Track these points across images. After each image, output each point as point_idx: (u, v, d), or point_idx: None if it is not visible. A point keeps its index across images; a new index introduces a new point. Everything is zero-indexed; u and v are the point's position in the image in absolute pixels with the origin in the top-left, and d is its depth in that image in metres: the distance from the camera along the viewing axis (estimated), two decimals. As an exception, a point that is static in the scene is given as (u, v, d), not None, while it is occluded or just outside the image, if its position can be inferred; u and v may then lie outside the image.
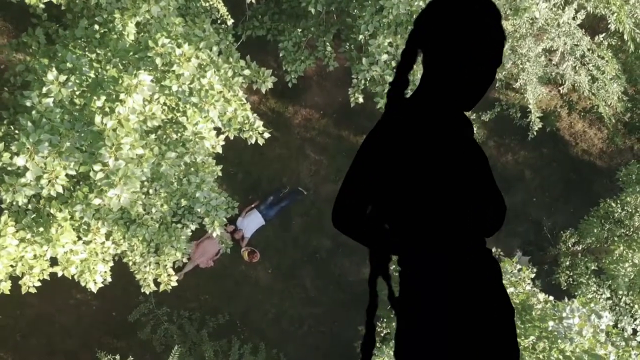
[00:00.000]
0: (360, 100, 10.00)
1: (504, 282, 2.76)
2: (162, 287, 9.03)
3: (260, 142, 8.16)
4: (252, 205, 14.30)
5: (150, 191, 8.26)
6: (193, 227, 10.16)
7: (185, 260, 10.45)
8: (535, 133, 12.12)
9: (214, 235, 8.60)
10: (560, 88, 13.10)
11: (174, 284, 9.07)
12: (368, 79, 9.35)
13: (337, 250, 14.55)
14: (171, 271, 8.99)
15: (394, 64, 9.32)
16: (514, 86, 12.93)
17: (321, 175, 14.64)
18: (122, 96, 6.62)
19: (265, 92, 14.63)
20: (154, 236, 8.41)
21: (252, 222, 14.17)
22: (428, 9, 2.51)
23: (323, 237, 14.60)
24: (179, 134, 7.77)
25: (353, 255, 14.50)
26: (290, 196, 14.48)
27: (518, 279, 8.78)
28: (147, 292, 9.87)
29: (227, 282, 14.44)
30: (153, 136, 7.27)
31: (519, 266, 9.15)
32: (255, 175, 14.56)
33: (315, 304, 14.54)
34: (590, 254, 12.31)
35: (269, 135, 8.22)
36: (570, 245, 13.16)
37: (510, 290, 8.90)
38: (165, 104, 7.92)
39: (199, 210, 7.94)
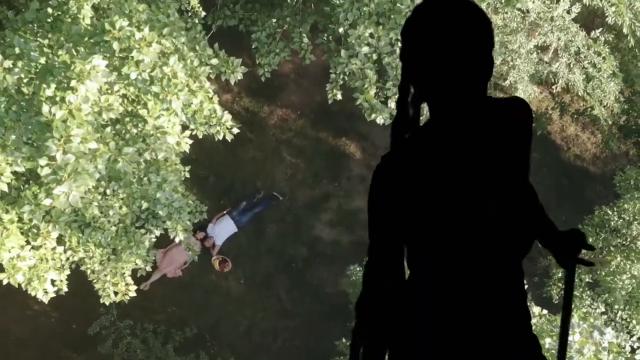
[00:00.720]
0: (339, 96, 9.55)
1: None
2: (119, 298, 8.49)
3: (229, 137, 7.70)
4: (224, 211, 13.81)
5: (108, 191, 7.75)
6: (157, 232, 9.68)
7: (148, 268, 9.95)
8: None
9: (177, 240, 8.09)
10: (552, 88, 12.72)
11: (133, 294, 8.55)
12: (347, 73, 8.90)
13: (315, 259, 14.08)
14: (130, 280, 8.47)
15: (375, 56, 8.89)
16: (502, 85, 12.53)
17: (298, 179, 14.17)
18: (73, 83, 6.11)
19: (238, 91, 14.22)
20: (111, 241, 7.87)
21: (223, 229, 13.68)
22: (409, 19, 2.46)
23: (299, 245, 14.12)
24: (139, 129, 7.27)
25: (331, 265, 14.04)
26: (265, 201, 13.99)
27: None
28: (107, 303, 9.33)
29: (196, 293, 13.92)
30: (109, 129, 6.76)
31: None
32: (227, 178, 14.06)
33: (290, 317, 14.05)
34: (584, 265, 11.86)
35: (239, 131, 7.81)
36: (561, 256, 12.70)
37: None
38: (124, 95, 7.42)
39: (160, 212, 7.42)
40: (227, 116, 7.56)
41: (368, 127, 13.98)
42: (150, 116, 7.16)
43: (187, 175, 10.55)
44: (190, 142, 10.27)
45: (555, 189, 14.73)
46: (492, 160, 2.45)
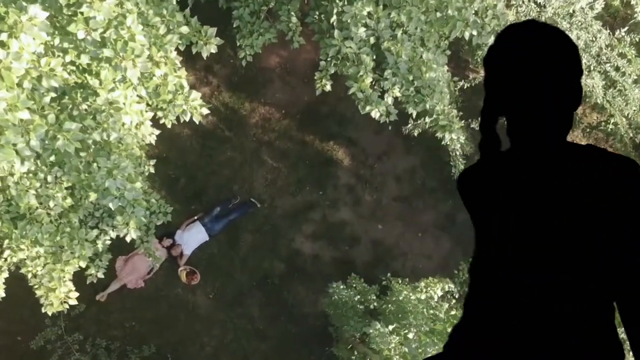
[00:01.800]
0: (328, 87, 8.61)
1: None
2: (54, 308, 7.44)
3: (197, 119, 6.70)
4: (195, 217, 12.84)
5: (49, 178, 6.70)
6: (113, 234, 8.68)
7: (100, 275, 8.94)
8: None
9: (128, 239, 7.04)
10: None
11: (74, 302, 7.50)
12: (340, 57, 7.94)
13: (292, 275, 13.07)
14: (70, 285, 7.40)
15: (372, 40, 7.96)
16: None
17: (278, 185, 13.17)
18: (3, 37, 5.11)
19: (217, 84, 13.23)
20: (50, 238, 6.82)
21: (193, 236, 12.68)
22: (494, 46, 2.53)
23: (276, 260, 13.11)
24: (90, 103, 6.25)
25: (310, 283, 13.03)
26: (241, 208, 12.99)
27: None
28: (49, 313, 8.26)
29: (159, 307, 12.87)
30: (48, 99, 5.73)
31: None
32: (200, 181, 13.05)
33: (263, 338, 13.01)
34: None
35: (209, 112, 6.73)
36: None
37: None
38: (73, 63, 6.41)
39: (110, 206, 6.37)
40: (196, 94, 6.56)
41: (359, 132, 13.03)
42: (102, 88, 6.16)
43: (152, 171, 9.60)
44: (157, 132, 9.35)
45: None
46: (563, 207, 2.37)
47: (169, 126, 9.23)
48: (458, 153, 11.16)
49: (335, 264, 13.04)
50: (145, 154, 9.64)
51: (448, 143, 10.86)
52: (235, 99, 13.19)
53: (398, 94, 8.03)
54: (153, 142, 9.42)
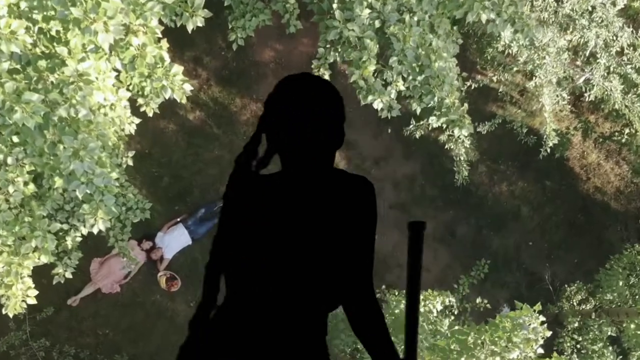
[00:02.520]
0: (326, 77, 7.92)
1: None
2: (13, 308, 6.73)
3: (179, 97, 6.02)
4: (178, 219, 12.19)
5: (10, 160, 6.01)
6: (85, 230, 8.00)
7: (68, 275, 8.26)
8: (548, 150, 10.17)
9: (95, 230, 6.35)
10: (579, 102, 11.22)
11: (32, 300, 6.78)
12: (342, 42, 7.30)
13: (281, 285, 12.34)
14: (29, 282, 6.69)
15: (377, 24, 7.32)
16: (526, 87, 11.00)
17: (269, 188, 12.47)
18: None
19: (207, 77, 12.57)
20: (9, 227, 6.13)
21: (175, 239, 12.01)
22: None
23: (264, 267, 12.40)
24: (57, 75, 5.58)
25: (300, 293, 12.32)
26: (227, 211, 12.28)
27: (536, 336, 6.72)
28: (11, 315, 7.54)
29: (136, 314, 12.20)
30: (7, 64, 5.06)
31: (541, 317, 7.09)
32: (185, 180, 12.38)
33: (246, 352, 12.28)
34: (606, 315, 10.31)
35: (192, 89, 6.06)
36: (575, 303, 11.15)
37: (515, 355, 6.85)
38: (42, 30, 5.75)
39: (76, 193, 5.68)
40: (178, 68, 5.89)
41: (357, 134, 12.40)
42: (71, 57, 5.49)
43: (130, 163, 8.94)
44: (137, 121, 8.72)
45: (569, 225, 13.20)
46: (317, 221, 2.73)
47: (150, 114, 8.62)
48: (462, 158, 10.53)
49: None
50: (124, 145, 8.98)
51: (452, 147, 10.28)
52: (225, 94, 12.53)
53: (402, 88, 7.39)
54: (132, 132, 8.79)
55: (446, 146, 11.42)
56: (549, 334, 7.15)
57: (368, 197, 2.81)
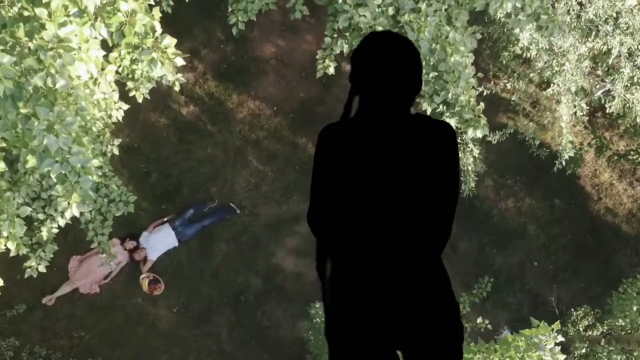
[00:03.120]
0: (331, 70, 7.50)
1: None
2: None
3: (170, 74, 5.52)
4: (165, 219, 11.68)
5: (-24, 134, 5.45)
6: (62, 221, 7.49)
7: (41, 269, 7.71)
8: (563, 163, 9.67)
9: (69, 215, 5.79)
10: (592, 118, 10.72)
11: (-5, 292, 6.22)
12: (351, 29, 6.79)
13: (270, 294, 11.84)
14: (-9, 270, 6.13)
15: (391, 11, 6.83)
16: (543, 93, 10.49)
17: (262, 191, 11.97)
18: None
19: (204, 70, 12.05)
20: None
21: (160, 240, 11.49)
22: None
23: (253, 275, 11.90)
24: (35, 40, 5.04)
25: (289, 304, 11.82)
26: (218, 213, 11.80)
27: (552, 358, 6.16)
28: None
29: (114, 318, 11.66)
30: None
31: (560, 337, 6.53)
32: (175, 178, 11.84)
33: (230, 363, 11.76)
34: (616, 342, 9.78)
35: (184, 63, 5.53)
36: (582, 329, 10.61)
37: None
38: (20, -9, 5.22)
39: (49, 172, 5.13)
40: (170, 40, 5.37)
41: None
42: (51, 21, 4.95)
43: (116, 152, 8.40)
44: (125, 107, 8.21)
45: (576, 246, 12.67)
46: (405, 165, 3.07)
47: (140, 100, 8.14)
48: (470, 168, 10.02)
49: (319, 286, 11.79)
50: (110, 132, 8.45)
51: (460, 155, 9.75)
52: (222, 89, 12.01)
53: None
54: (120, 119, 8.28)
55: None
56: (562, 358, 6.61)
57: (450, 139, 3.11)
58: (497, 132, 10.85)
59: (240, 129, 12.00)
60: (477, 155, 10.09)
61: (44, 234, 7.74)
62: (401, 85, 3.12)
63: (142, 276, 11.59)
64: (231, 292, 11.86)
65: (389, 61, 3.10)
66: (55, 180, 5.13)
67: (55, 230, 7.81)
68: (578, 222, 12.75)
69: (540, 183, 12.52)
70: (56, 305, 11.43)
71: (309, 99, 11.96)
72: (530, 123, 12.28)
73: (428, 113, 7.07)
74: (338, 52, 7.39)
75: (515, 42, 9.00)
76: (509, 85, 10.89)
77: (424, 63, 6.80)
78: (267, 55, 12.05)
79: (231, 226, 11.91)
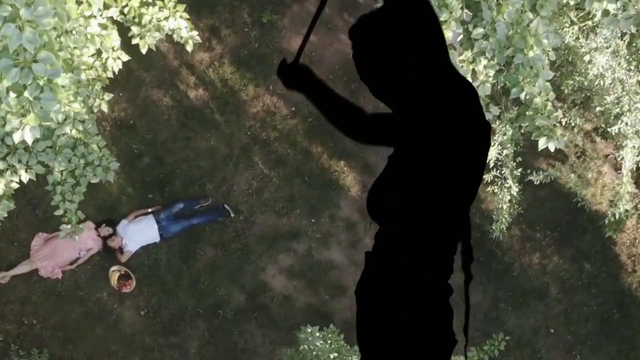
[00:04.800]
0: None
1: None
2: None
3: (184, 28, 4.26)
4: (149, 210, 10.41)
5: None
6: (25, 176, 6.28)
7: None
8: (616, 216, 8.44)
9: (17, 139, 4.45)
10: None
11: None
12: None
13: (252, 313, 10.53)
14: None
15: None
16: (606, 131, 9.28)
17: (264, 197, 10.68)
18: None
19: (221, 53, 10.80)
20: None
21: (141, 232, 10.30)
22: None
23: (237, 289, 10.60)
24: None
25: (271, 328, 10.56)
26: (210, 214, 10.54)
27: None
28: None
29: (73, 310, 10.43)
30: None
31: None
32: (168, 166, 10.59)
33: (193, 383, 10.39)
34: None
35: (197, 43, 4.26)
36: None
37: None
38: None
39: (4, 81, 3.84)
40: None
41: (380, 157, 10.61)
42: None
43: (105, 108, 7.15)
44: (126, 58, 7.04)
45: (600, 319, 11.39)
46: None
47: (144, 51, 6.96)
48: (505, 207, 8.76)
49: (308, 313, 10.48)
50: (101, 86, 7.18)
51: (496, 190, 8.55)
52: (238, 77, 10.76)
53: (480, 68, 5.64)
54: (116, 70, 7.05)
55: (488, 188, 9.68)
56: None
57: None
58: (540, 172, 9.58)
59: (250, 125, 10.73)
60: (514, 194, 8.82)
61: (1, 187, 6.46)
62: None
63: (112, 268, 10.31)
64: (209, 303, 10.51)
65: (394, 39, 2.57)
66: (5, 84, 3.83)
67: (15, 185, 6.53)
68: (606, 292, 11.44)
69: (572, 243, 11.26)
70: (10, 284, 10.17)
71: (332, 105, 10.70)
72: (572, 175, 11.07)
73: (495, 114, 5.87)
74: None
75: (590, 66, 7.76)
76: (563, 121, 9.65)
77: (496, 50, 5.58)
78: (294, 49, 10.75)
79: (222, 230, 10.59)
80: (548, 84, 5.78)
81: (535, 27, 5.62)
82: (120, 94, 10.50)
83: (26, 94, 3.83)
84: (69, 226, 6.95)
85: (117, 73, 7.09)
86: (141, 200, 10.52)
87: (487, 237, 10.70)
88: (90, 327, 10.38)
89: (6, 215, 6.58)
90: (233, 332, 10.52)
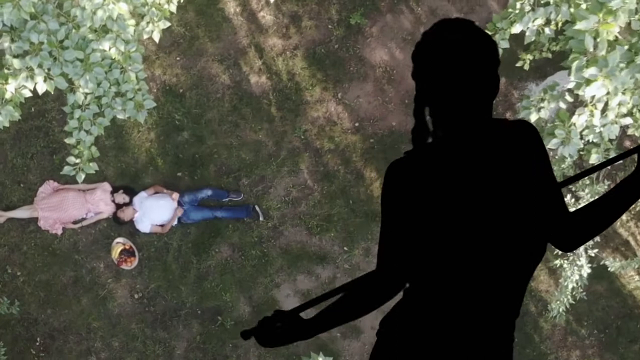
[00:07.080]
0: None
1: None
2: None
3: None
4: (172, 194, 9.29)
5: None
6: (42, 86, 5.36)
7: None
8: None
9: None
10: None
11: None
12: None
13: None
14: None
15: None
16: None
17: (299, 210, 9.66)
18: None
19: (296, 44, 9.82)
20: None
21: (158, 209, 9.44)
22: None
23: (244, 299, 9.59)
24: None
25: (268, 351, 9.41)
26: (237, 210, 9.57)
27: None
28: None
29: (63, 272, 9.53)
30: None
31: None
32: (207, 148, 9.65)
33: (169, 388, 9.28)
34: None
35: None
36: None
37: None
38: None
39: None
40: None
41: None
42: None
43: (156, 38, 6.14)
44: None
45: None
46: (496, 178, 2.56)
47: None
48: (571, 286, 7.65)
49: (313, 346, 9.36)
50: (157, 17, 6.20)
51: (564, 264, 7.42)
52: (307, 74, 9.81)
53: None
54: (174, 10, 6.06)
55: (552, 263, 8.54)
56: None
57: (534, 138, 2.66)
58: (619, 259, 8.44)
59: (306, 129, 9.73)
60: (584, 275, 7.68)
61: (10, 88, 5.45)
62: (479, 86, 2.50)
63: (117, 240, 9.37)
64: (210, 306, 9.47)
65: (463, 56, 2.44)
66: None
67: (27, 94, 5.58)
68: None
69: (617, 350, 10.08)
70: (4, 226, 9.29)
71: (400, 132, 9.71)
72: (637, 276, 9.90)
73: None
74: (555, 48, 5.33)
75: None
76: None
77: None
78: (376, 61, 9.83)
79: (245, 232, 9.57)
80: None
81: None
82: (177, 58, 9.59)
83: None
84: (77, 160, 5.90)
85: (174, 12, 6.14)
86: (168, 176, 9.56)
87: (529, 318, 9.58)
88: (77, 295, 9.37)
89: (7, 124, 5.53)
90: (227, 343, 9.43)
